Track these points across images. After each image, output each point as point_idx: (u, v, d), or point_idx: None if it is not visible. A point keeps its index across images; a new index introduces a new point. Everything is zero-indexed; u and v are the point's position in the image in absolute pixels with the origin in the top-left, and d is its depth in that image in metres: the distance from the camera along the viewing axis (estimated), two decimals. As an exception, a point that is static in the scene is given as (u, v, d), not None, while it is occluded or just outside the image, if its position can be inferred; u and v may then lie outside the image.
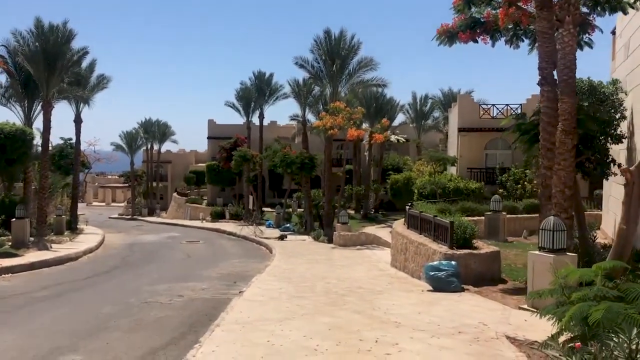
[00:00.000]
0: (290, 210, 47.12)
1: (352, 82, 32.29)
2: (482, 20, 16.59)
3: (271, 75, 48.79)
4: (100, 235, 34.95)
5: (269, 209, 48.53)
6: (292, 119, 42.17)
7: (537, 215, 26.50)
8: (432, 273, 13.96)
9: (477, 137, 34.36)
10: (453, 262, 14.16)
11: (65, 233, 33.63)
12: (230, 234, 37.33)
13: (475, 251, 15.11)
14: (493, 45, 16.92)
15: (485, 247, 15.73)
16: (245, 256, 25.77)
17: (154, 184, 67.40)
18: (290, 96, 44.50)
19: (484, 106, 35.06)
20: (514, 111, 34.73)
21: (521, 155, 34.60)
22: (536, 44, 17.37)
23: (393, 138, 52.63)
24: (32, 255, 23.34)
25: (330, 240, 29.12)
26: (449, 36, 16.60)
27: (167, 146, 69.94)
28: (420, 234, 17.58)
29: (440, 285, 13.83)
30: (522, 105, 34.38)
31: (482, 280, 14.77)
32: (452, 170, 35.08)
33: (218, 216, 49.07)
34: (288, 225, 37.30)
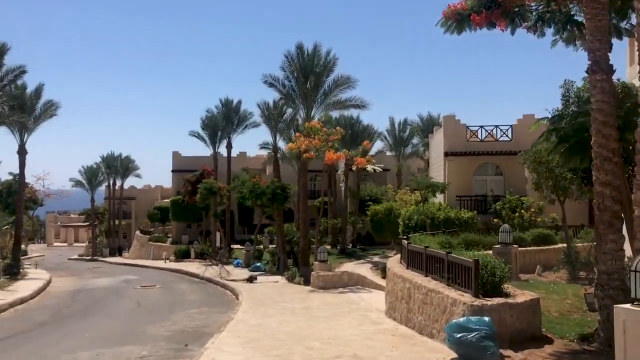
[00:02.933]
0: (262, 247, 42.49)
1: (328, 103, 28.19)
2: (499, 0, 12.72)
3: (239, 102, 44.64)
4: (44, 280, 29.80)
5: (239, 246, 43.69)
6: (262, 147, 38.02)
7: (549, 247, 22.76)
8: (459, 335, 9.62)
9: (466, 162, 30.47)
10: (486, 319, 9.86)
11: (1, 279, 28.41)
12: (193, 275, 32.45)
13: (510, 300, 10.83)
14: (513, 33, 12.99)
15: (519, 293, 11.47)
16: (206, 304, 21.06)
17: (117, 222, 61.98)
18: (260, 124, 40.52)
19: (471, 128, 31.26)
20: (504, 133, 31.17)
21: (515, 180, 31.14)
22: (564, 33, 13.65)
23: (369, 168, 48.77)
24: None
25: (307, 282, 24.59)
26: (458, 20, 12.64)
27: (131, 181, 64.95)
28: (427, 276, 13.27)
29: (471, 351, 9.51)
30: (512, 126, 30.81)
31: (522, 339, 10.53)
32: (438, 199, 31.01)
33: (183, 255, 44.05)
34: (258, 264, 32.61)
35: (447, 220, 25.65)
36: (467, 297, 10.84)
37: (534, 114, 31.07)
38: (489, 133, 31.33)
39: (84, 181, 59.49)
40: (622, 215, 10.86)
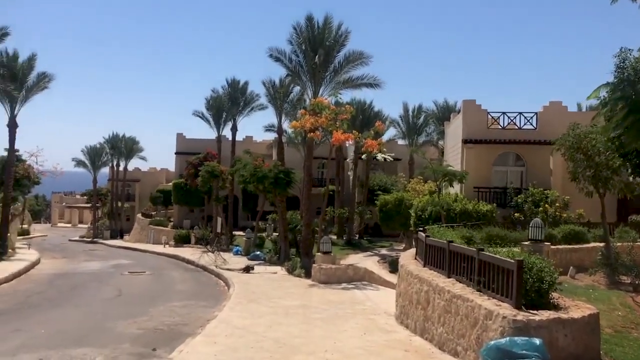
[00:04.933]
0: (265, 234, 39.96)
1: (338, 81, 25.38)
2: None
3: (246, 83, 41.81)
4: (28, 262, 27.42)
5: (241, 233, 41.17)
6: (267, 130, 35.37)
7: (582, 246, 19.97)
8: (501, 363, 6.97)
9: (485, 151, 27.62)
10: (536, 341, 7.21)
11: (-19, 260, 26.08)
12: (189, 262, 29.95)
13: (563, 315, 8.15)
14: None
15: (572, 305, 8.79)
16: (194, 296, 18.50)
17: (120, 204, 59.58)
18: (267, 107, 37.89)
19: (492, 114, 28.37)
20: (528, 121, 28.27)
21: (538, 172, 28.29)
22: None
23: (380, 156, 45.90)
24: None
25: (308, 274, 22.00)
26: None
27: (136, 163, 62.47)
28: (450, 277, 10.61)
29: (516, 387, 6.85)
30: (537, 113, 27.93)
31: (577, 367, 7.86)
32: (454, 190, 28.25)
33: (183, 240, 41.62)
34: (258, 252, 30.05)
35: (464, 212, 23.07)
36: (506, 309, 8.18)
37: (562, 101, 28.41)
38: (511, 120, 28.45)
39: (86, 161, 57.13)
40: None
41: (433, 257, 11.70)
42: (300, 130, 22.59)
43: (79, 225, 76.35)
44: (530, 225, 16.30)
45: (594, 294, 13.88)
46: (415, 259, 13.36)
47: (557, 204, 24.21)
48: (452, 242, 11.03)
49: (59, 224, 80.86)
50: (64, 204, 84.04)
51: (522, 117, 28.37)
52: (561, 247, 18.07)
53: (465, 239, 14.92)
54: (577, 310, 8.48)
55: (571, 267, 17.09)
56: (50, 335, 12.14)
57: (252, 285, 19.61)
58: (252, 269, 24.18)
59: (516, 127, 28.35)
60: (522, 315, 7.91)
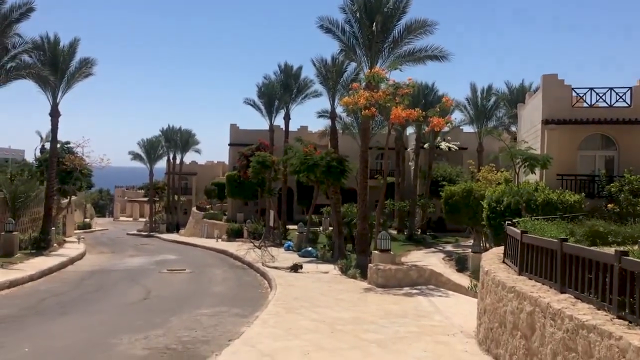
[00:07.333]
0: (321, 228, 37.01)
1: (398, 54, 21.87)
2: None
3: (300, 68, 38.75)
4: (67, 257, 25.44)
5: (296, 227, 38.29)
6: (320, 115, 32.17)
7: None
8: None
9: (570, 133, 23.37)
10: None
11: (17, 254, 24.21)
12: (236, 258, 27.24)
13: None
14: None
15: None
16: (229, 301, 15.58)
17: (176, 197, 58.00)
18: (322, 94, 34.75)
19: (578, 90, 24.09)
20: (620, 97, 23.85)
21: (634, 156, 23.85)
22: None
23: (444, 145, 42.08)
24: None
25: (363, 274, 18.73)
26: None
27: (191, 156, 60.82)
28: (564, 293, 7.07)
29: None
30: (631, 88, 23.47)
31: None
32: (534, 177, 24.22)
33: (235, 234, 39.17)
34: (310, 248, 27.01)
35: (548, 203, 19.24)
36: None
37: (661, 73, 23.88)
38: (600, 97, 24.07)
39: (142, 154, 55.83)
40: None
41: (534, 261, 8.16)
42: (353, 107, 19.21)
43: (140, 219, 75.86)
44: (652, 218, 12.41)
45: None
46: (504, 262, 9.83)
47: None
48: (565, 240, 7.48)
49: (121, 218, 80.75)
50: (125, 198, 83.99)
51: (613, 93, 24.00)
52: (685, 246, 14.00)
53: (566, 235, 11.34)
54: None
55: None
56: (31, 356, 9.45)
57: (297, 288, 16.52)
58: (301, 267, 21.12)
59: (606, 105, 23.98)
60: None
